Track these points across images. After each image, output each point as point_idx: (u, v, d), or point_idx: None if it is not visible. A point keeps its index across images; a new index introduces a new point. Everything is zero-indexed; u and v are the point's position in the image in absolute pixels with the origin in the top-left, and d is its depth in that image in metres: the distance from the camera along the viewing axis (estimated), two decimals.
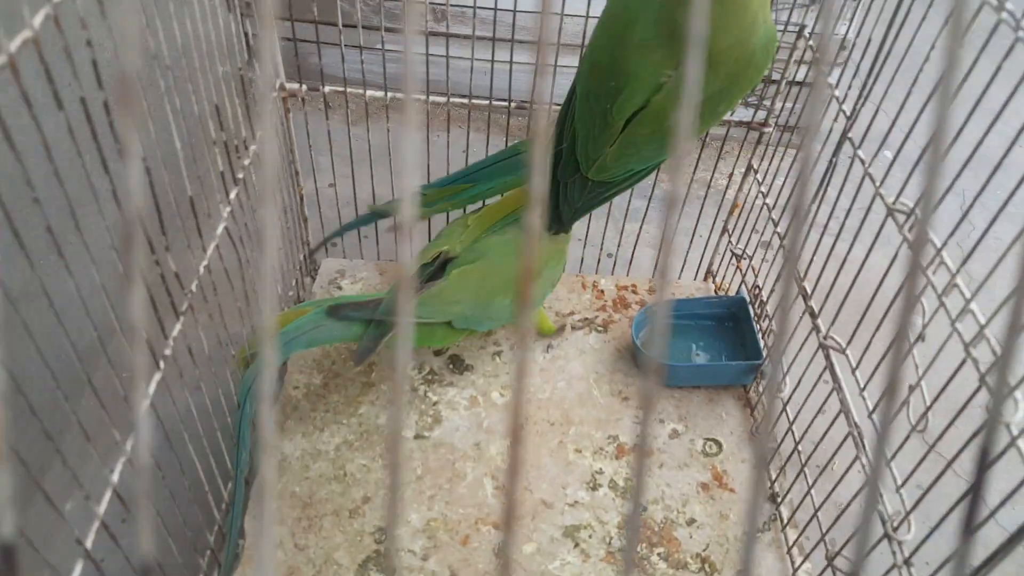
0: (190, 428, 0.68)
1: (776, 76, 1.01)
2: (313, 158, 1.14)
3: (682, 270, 1.27)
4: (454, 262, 0.94)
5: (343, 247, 1.28)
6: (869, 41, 0.72)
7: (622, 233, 1.23)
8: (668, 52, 0.71)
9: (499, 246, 0.96)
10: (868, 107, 0.76)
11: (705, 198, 1.18)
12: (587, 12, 0.96)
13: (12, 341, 0.52)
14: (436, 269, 0.94)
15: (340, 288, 1.15)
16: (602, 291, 1.19)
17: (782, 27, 1.10)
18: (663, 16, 0.71)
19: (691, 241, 1.25)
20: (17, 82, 0.36)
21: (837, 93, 0.81)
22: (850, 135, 0.75)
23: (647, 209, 1.29)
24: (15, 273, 0.53)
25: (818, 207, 0.80)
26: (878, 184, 0.68)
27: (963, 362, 0.55)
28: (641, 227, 1.28)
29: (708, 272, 1.26)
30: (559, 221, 0.94)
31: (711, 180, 1.22)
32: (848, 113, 0.76)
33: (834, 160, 0.78)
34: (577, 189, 0.87)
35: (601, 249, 1.29)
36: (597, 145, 0.80)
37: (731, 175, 1.15)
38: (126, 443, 0.53)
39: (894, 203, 0.64)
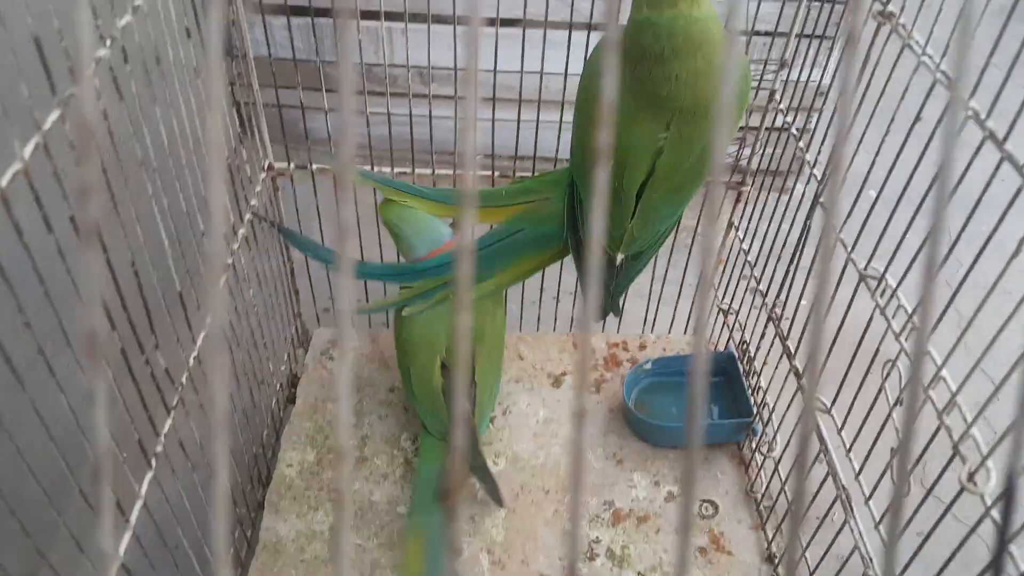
0: (181, 516, 0.69)
1: (754, 129, 1.04)
2: (301, 225, 1.15)
3: (672, 324, 1.28)
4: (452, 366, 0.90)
5: (335, 316, 1.29)
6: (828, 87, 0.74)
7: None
8: (654, 116, 0.74)
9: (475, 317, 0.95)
10: (849, 145, 0.77)
11: (691, 246, 1.20)
12: (565, 70, 0.97)
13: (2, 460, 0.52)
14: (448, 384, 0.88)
15: (332, 359, 1.16)
16: (592, 349, 1.20)
17: (753, 87, 1.13)
18: (637, 86, 0.73)
19: (679, 292, 1.26)
20: (8, 215, 0.37)
21: (808, 157, 0.83)
22: (822, 199, 0.77)
23: None
24: (3, 394, 0.54)
25: (795, 270, 0.82)
26: (850, 250, 0.69)
27: (938, 429, 0.56)
28: None
29: None
30: (602, 306, 0.94)
31: (696, 228, 1.24)
32: (819, 177, 0.79)
33: (808, 223, 0.80)
34: (610, 272, 0.88)
35: None
36: (618, 223, 0.82)
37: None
38: (119, 548, 0.53)
39: (865, 268, 0.66)
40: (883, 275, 0.65)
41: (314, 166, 1.04)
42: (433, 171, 1.05)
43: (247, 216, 0.90)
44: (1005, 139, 0.54)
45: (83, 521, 0.52)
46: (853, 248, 0.70)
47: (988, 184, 0.57)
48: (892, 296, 0.63)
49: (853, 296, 0.69)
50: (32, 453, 0.43)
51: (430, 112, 0.98)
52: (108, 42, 0.51)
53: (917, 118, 0.60)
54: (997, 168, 0.56)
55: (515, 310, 1.37)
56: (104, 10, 0.51)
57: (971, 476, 0.50)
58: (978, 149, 0.56)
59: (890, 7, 0.63)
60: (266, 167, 0.99)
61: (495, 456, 1.01)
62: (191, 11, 0.70)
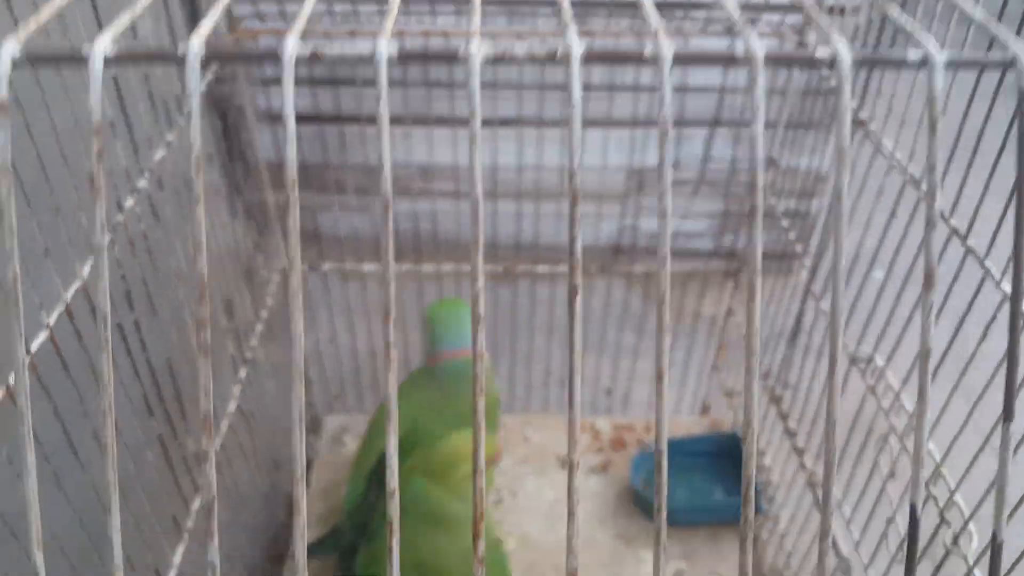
0: None
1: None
2: (311, 315, 1.19)
3: (678, 404, 1.30)
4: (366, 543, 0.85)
5: (345, 403, 1.32)
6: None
7: (616, 368, 1.27)
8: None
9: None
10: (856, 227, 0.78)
11: (697, 327, 1.23)
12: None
13: None
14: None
15: (345, 444, 1.18)
16: (599, 432, 1.22)
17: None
18: None
19: (686, 372, 1.28)
20: (39, 381, 0.43)
21: (799, 248, 0.88)
22: (812, 287, 0.81)
23: (637, 344, 1.33)
24: None
25: (792, 353, 0.85)
26: (841, 331, 0.73)
27: (925, 499, 0.58)
28: (635, 364, 1.32)
29: (704, 407, 1.29)
30: None
31: (699, 309, 1.27)
32: (809, 266, 0.83)
33: (803, 308, 0.84)
34: None
35: (597, 386, 1.32)
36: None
37: (714, 317, 1.20)
38: None
39: (855, 352, 0.70)
40: (872, 356, 0.68)
41: (325, 266, 1.10)
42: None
43: (263, 313, 0.95)
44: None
45: None
46: (844, 329, 0.74)
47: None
48: (881, 376, 0.66)
49: (847, 375, 0.72)
50: None
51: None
52: (147, 174, 0.59)
53: (892, 214, 0.64)
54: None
55: (521, 391, 1.39)
56: (144, 147, 0.60)
57: (955, 539, 0.53)
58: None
59: (861, 114, 0.69)
60: (281, 270, 1.04)
61: (505, 536, 1.02)
62: (212, 139, 0.79)
